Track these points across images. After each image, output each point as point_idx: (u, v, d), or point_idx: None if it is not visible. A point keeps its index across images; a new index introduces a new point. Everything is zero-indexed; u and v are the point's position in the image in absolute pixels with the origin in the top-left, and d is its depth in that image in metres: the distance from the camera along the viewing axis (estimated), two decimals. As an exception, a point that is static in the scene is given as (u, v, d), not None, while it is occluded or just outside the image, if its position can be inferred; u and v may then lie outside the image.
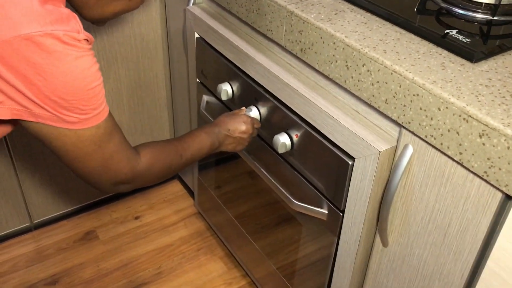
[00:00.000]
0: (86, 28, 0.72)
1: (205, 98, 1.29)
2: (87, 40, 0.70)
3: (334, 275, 1.02)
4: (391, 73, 0.74)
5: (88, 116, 0.73)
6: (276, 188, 1.06)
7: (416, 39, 0.81)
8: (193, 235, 1.60)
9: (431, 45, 0.79)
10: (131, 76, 1.50)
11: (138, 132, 1.62)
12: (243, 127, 1.04)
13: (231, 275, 1.48)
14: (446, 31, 0.81)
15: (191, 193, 1.74)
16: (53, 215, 1.63)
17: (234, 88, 1.14)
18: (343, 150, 0.87)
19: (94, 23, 0.88)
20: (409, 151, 0.77)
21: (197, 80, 1.31)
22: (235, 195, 1.37)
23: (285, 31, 0.93)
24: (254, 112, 1.08)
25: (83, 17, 0.84)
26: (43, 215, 1.60)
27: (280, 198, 1.11)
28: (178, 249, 1.55)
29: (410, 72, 0.71)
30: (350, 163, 0.86)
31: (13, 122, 0.76)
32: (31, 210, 1.56)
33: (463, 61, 0.75)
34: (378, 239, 0.90)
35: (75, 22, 0.69)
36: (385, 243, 0.89)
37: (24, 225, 1.58)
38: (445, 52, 0.77)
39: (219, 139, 1.03)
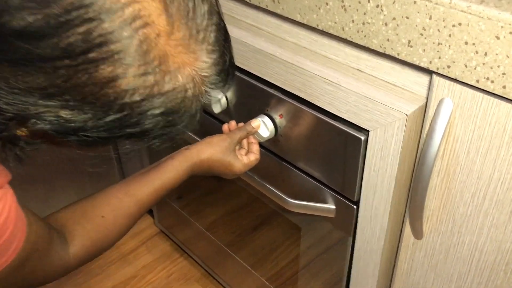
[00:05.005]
0: None
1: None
2: None
3: (352, 285, 0.81)
4: (414, 2, 0.53)
5: None
6: (263, 187, 0.83)
7: (428, -41, 0.61)
8: (160, 260, 1.35)
9: (450, -37, 0.59)
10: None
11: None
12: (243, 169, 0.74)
13: (213, 299, 1.25)
14: None
15: (149, 210, 1.48)
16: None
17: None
18: (350, 122, 0.65)
19: None
20: (448, 107, 0.57)
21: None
22: (201, 203, 1.20)
23: (247, -21, 0.70)
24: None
25: None
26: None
27: (261, 196, 0.89)
28: (144, 279, 1.30)
29: (444, -5, 0.51)
30: (362, 138, 0.65)
31: None
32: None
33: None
34: (407, 231, 0.70)
35: None
36: (418, 235, 0.69)
37: None
38: (473, -32, 0.57)
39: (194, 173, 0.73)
